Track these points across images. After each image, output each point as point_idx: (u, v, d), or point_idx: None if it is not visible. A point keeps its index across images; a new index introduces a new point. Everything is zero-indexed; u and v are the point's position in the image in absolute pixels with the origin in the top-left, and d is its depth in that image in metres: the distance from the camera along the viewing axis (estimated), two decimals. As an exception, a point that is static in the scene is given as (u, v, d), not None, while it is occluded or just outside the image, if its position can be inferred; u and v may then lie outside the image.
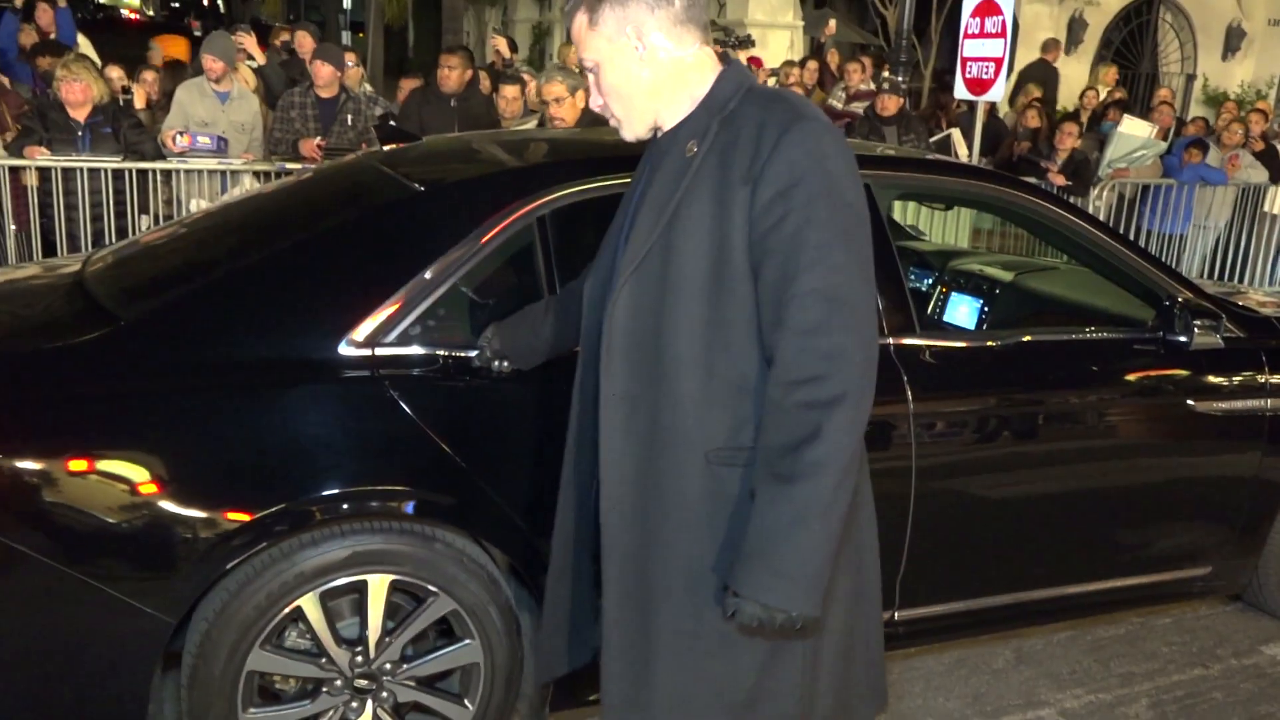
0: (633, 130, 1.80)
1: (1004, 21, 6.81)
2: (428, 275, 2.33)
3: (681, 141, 1.73)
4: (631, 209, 1.82)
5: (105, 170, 5.54)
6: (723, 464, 1.69)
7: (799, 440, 1.57)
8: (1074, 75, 14.51)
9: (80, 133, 5.58)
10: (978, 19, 7.03)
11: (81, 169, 5.49)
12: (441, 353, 2.33)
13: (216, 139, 5.79)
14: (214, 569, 2.11)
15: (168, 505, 2.07)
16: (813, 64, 9.57)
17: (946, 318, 3.76)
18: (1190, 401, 3.01)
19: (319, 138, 5.72)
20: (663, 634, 1.76)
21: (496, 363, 2.30)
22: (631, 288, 1.71)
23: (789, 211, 1.59)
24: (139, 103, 6.97)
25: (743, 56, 8.87)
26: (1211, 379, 3.05)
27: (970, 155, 7.10)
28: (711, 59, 1.78)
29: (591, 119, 4.68)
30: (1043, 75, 10.26)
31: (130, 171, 5.60)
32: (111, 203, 5.57)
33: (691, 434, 1.69)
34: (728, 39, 9.01)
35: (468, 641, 2.32)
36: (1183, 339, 2.94)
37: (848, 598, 1.85)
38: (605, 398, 1.75)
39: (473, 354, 2.33)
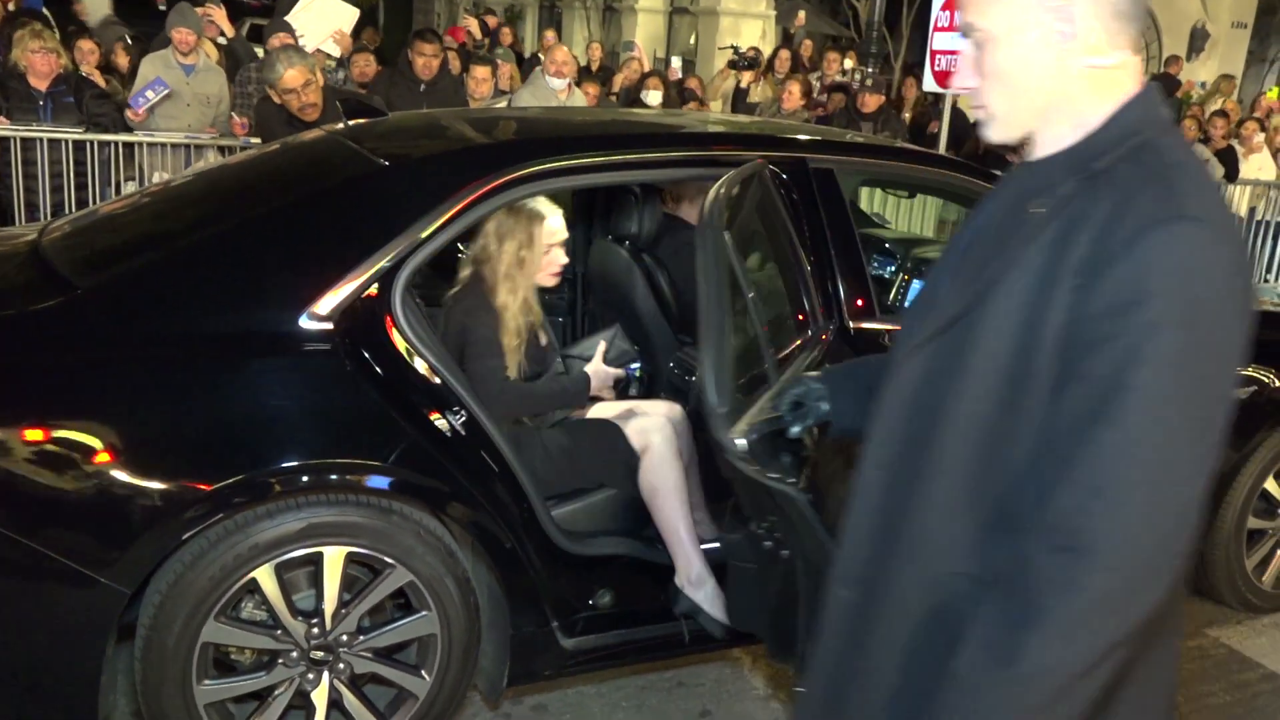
0: (1004, 131, 1.39)
1: (973, 15, 6.87)
2: (390, 250, 2.33)
3: (1030, 188, 1.35)
4: (960, 250, 1.47)
5: (66, 141, 5.46)
6: (953, 593, 1.37)
7: (1029, 620, 1.21)
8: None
9: (42, 102, 5.50)
10: (947, 12, 7.08)
11: (42, 139, 5.41)
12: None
13: (154, 85, 5.71)
14: (169, 540, 2.10)
15: (124, 476, 2.05)
16: (784, 53, 9.61)
17: (909, 304, 3.81)
18: (1142, 390, 3.06)
19: (245, 117, 5.70)
20: None
21: (813, 430, 1.81)
22: (927, 355, 1.39)
23: (1119, 335, 1.19)
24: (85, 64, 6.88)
25: (746, 78, 8.74)
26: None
27: (940, 145, 7.17)
28: (1133, 78, 1.33)
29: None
30: (1166, 88, 11.12)
31: (91, 143, 5.53)
32: (72, 174, 5.49)
33: (929, 542, 1.39)
34: (740, 60, 8.88)
35: (424, 613, 2.32)
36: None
37: None
38: (864, 461, 1.48)
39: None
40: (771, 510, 1.90)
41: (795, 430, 1.76)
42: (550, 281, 2.81)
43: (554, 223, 2.75)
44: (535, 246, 2.70)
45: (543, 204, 2.74)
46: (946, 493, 1.37)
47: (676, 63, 11.98)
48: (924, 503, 1.39)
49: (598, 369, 2.84)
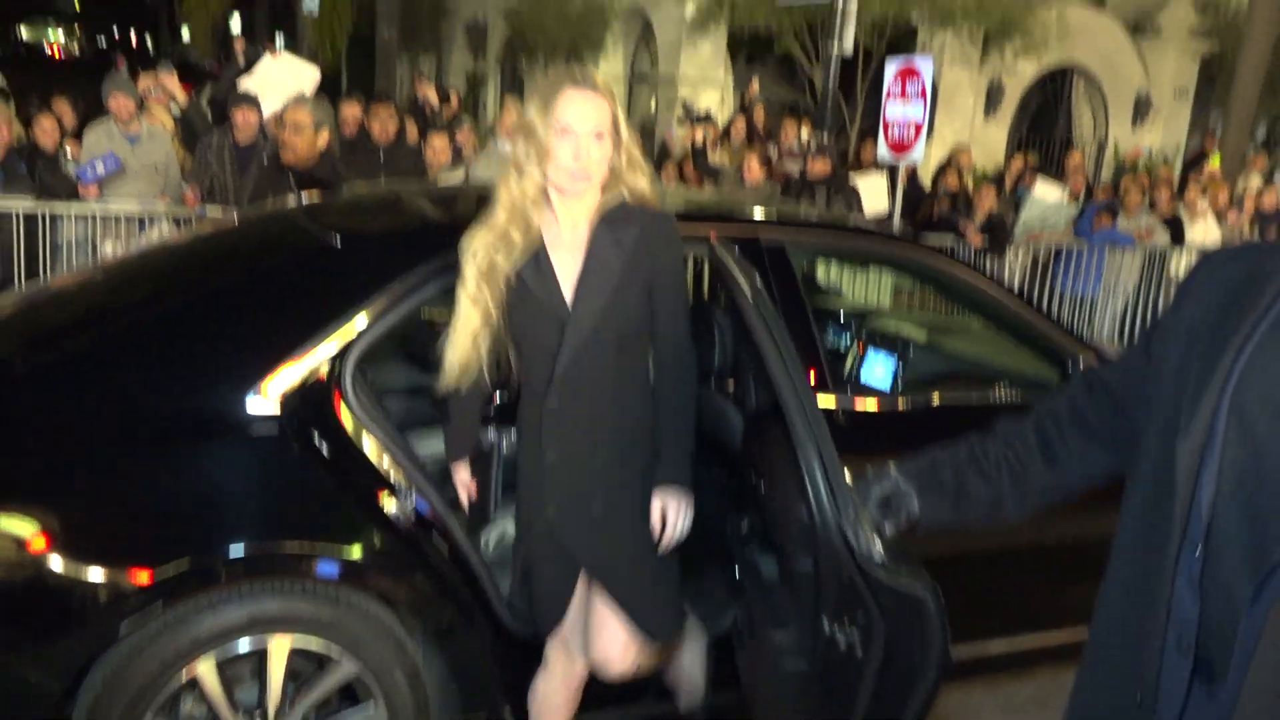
0: None
1: (923, 86, 7.04)
2: (339, 330, 2.30)
3: None
4: None
5: (16, 213, 5.39)
6: None
7: None
8: (993, 139, 15.02)
9: (-8, 173, 5.44)
10: (899, 82, 7.25)
11: (-10, 211, 5.34)
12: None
13: (106, 160, 5.64)
14: (105, 634, 2.03)
15: (59, 566, 1.99)
16: (740, 121, 9.78)
17: (863, 377, 3.82)
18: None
19: (194, 185, 5.70)
20: None
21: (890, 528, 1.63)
22: None
23: None
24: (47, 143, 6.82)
25: (699, 134, 8.89)
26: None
27: (891, 214, 7.28)
28: None
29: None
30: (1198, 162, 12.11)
31: (43, 215, 5.46)
32: (23, 247, 5.41)
33: None
34: (687, 116, 9.17)
35: (370, 709, 2.26)
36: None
37: None
38: None
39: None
40: (862, 610, 1.75)
41: (889, 530, 1.61)
42: (565, 182, 2.05)
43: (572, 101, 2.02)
44: (547, 120, 2.02)
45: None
46: None
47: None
48: None
49: (462, 485, 2.43)
